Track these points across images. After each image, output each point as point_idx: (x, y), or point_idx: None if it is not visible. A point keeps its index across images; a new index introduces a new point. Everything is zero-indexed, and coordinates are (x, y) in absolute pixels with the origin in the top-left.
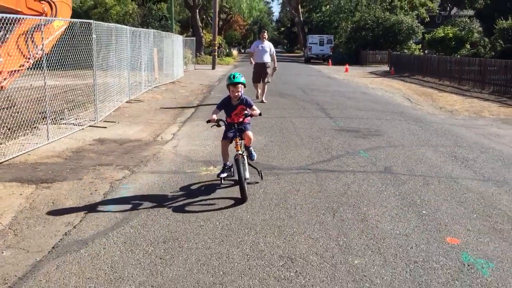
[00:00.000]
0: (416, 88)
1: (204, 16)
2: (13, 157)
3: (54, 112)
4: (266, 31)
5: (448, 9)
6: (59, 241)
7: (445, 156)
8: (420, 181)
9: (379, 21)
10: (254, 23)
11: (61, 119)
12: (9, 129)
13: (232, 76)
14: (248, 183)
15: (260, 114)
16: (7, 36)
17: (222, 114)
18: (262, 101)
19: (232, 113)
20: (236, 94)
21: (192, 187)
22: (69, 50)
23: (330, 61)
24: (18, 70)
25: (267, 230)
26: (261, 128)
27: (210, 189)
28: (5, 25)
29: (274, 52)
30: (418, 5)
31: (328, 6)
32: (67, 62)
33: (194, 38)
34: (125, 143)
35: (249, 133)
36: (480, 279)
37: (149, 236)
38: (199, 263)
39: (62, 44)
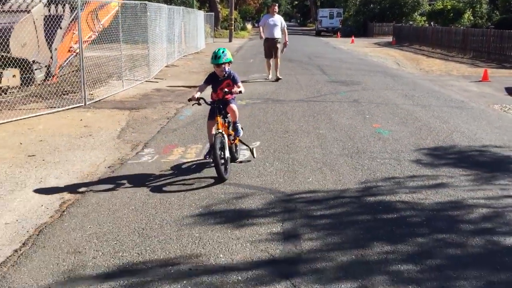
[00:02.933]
0: (408, 55)
1: None
2: (105, 98)
3: (116, 72)
4: (276, 5)
5: None
6: (159, 130)
7: (400, 94)
8: (374, 105)
9: None
10: None
11: (123, 76)
12: (92, 82)
13: (214, 55)
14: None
15: (240, 92)
16: (79, 14)
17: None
18: (277, 78)
19: (218, 88)
20: (221, 73)
21: None
22: (129, 26)
23: (339, 33)
24: (87, 41)
25: (275, 123)
26: (272, 81)
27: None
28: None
29: (285, 26)
30: None
31: None
32: (126, 36)
33: (213, 13)
34: (175, 91)
35: (233, 106)
36: (381, 136)
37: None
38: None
39: (123, 22)
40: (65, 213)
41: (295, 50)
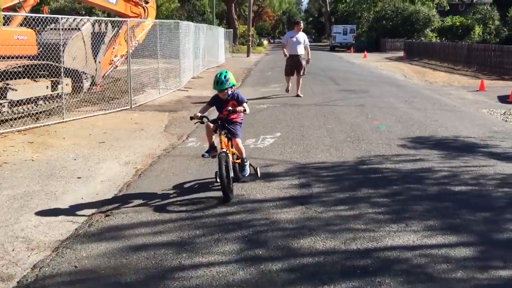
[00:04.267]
0: (416, 69)
1: (237, 9)
2: (145, 102)
3: (150, 82)
4: (301, 22)
5: None
6: (197, 126)
7: (401, 100)
8: (376, 108)
9: (398, 11)
10: (283, 13)
11: (157, 86)
12: (126, 91)
13: (216, 81)
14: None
15: (244, 111)
16: (119, 31)
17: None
18: (297, 95)
19: (223, 109)
20: (225, 96)
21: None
22: (164, 42)
23: (352, 48)
24: (124, 55)
25: (292, 120)
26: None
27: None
28: (120, 24)
29: (308, 44)
30: None
31: None
32: (159, 52)
33: (231, 30)
34: (204, 98)
35: (238, 141)
36: (379, 129)
37: None
38: (271, 118)
39: (155, 38)
40: (141, 176)
41: (309, 65)
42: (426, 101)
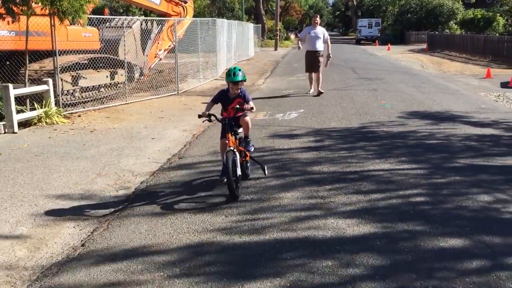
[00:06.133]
0: (435, 59)
1: (264, 5)
2: (188, 89)
3: (190, 73)
4: (318, 16)
5: None
6: None
7: (410, 86)
8: (386, 92)
9: (422, 4)
10: (310, 7)
11: (197, 76)
12: (171, 80)
13: (232, 73)
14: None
15: (252, 109)
16: (162, 28)
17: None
18: (319, 93)
19: (229, 107)
20: (236, 91)
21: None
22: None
23: (377, 41)
24: (167, 49)
25: (313, 101)
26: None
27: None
28: (163, 23)
29: (328, 38)
30: None
31: None
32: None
33: (260, 25)
34: None
35: (247, 118)
36: (384, 107)
37: (269, 103)
38: (296, 100)
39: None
40: (197, 138)
41: (333, 57)
42: (433, 86)
